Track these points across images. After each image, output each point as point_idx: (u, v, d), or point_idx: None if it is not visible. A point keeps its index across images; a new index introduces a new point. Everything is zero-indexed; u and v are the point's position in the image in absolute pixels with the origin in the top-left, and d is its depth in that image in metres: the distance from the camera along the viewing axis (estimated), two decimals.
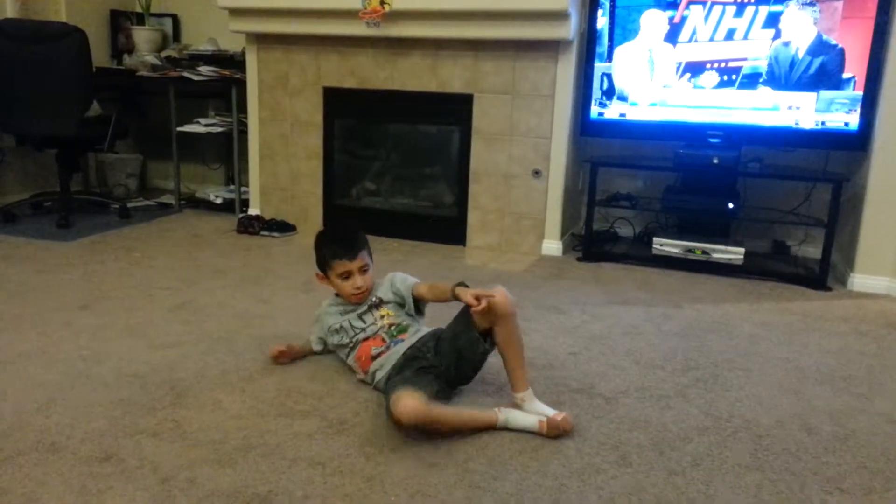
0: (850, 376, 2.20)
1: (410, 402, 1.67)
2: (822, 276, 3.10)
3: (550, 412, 1.79)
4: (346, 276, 2.04)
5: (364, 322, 2.05)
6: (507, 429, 1.77)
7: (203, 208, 4.34)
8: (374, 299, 2.07)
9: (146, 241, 3.59)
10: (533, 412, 1.81)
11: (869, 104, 2.99)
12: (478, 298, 1.81)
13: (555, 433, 1.74)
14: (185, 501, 1.48)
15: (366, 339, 2.02)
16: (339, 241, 2.07)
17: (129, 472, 1.58)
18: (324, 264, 2.08)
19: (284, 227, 3.82)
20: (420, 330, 2.03)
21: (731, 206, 3.22)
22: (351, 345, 2.05)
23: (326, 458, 1.65)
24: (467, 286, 1.89)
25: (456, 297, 1.88)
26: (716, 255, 3.23)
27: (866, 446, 1.78)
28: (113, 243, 3.54)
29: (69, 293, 2.77)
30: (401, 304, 2.07)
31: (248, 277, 3.05)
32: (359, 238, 2.09)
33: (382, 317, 2.05)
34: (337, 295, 2.14)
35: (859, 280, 3.09)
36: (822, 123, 3.08)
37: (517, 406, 1.84)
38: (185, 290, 2.84)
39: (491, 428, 1.77)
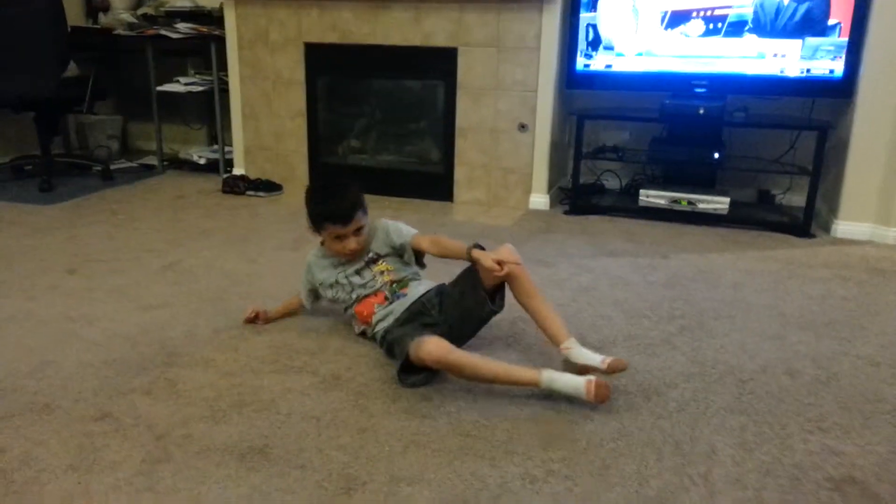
0: (832, 321, 2.24)
1: (434, 344, 1.68)
2: (806, 223, 3.14)
3: (598, 358, 1.75)
4: (340, 238, 1.96)
5: (362, 278, 2.00)
6: (552, 390, 1.68)
7: (187, 169, 4.29)
8: (370, 255, 2.01)
9: (130, 203, 3.56)
10: (581, 359, 1.77)
11: (854, 51, 2.98)
12: (500, 263, 1.78)
13: (603, 396, 1.64)
14: (182, 457, 1.50)
15: (367, 295, 1.98)
16: (332, 203, 1.94)
17: (125, 431, 1.59)
18: (314, 223, 1.99)
19: (270, 187, 3.79)
20: (421, 283, 2.00)
21: (716, 155, 3.23)
22: (350, 301, 2.01)
23: (320, 412, 1.67)
24: (483, 248, 1.84)
25: (472, 260, 1.83)
26: (701, 206, 3.25)
27: (847, 388, 1.83)
28: (97, 206, 3.51)
29: (55, 257, 2.75)
30: (399, 255, 2.02)
31: (236, 237, 3.04)
32: (353, 198, 1.95)
33: (382, 272, 1.99)
34: (323, 244, 2.08)
35: (843, 227, 3.13)
36: (808, 71, 3.07)
37: (565, 358, 1.80)
38: (172, 252, 2.83)
39: (534, 387, 1.69)
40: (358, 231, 1.95)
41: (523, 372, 1.72)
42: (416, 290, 1.97)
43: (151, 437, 1.57)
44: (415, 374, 1.77)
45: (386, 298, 1.97)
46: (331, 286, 2.04)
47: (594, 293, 2.44)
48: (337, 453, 1.52)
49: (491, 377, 1.72)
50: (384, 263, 2.00)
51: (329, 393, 1.76)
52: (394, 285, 1.98)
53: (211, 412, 1.67)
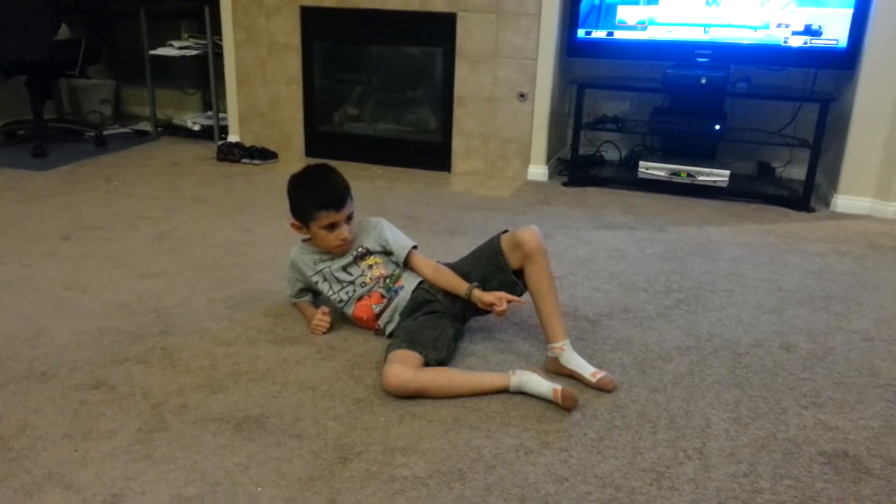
0: (829, 296, 2.24)
1: (394, 373, 1.60)
2: (805, 197, 3.12)
3: (590, 369, 1.68)
4: (332, 226, 1.84)
5: (351, 275, 1.89)
6: (521, 393, 1.63)
7: (181, 135, 4.25)
8: (360, 249, 1.89)
9: (125, 170, 3.52)
10: (570, 365, 1.70)
11: (859, 21, 2.93)
12: (500, 298, 1.72)
13: (569, 405, 1.57)
14: (179, 425, 1.50)
15: (360, 297, 1.88)
16: (324, 188, 1.84)
17: (121, 399, 1.59)
18: (304, 214, 1.86)
19: (266, 155, 3.75)
20: (413, 273, 1.89)
21: (717, 127, 3.20)
22: (344, 301, 1.90)
23: (316, 383, 1.68)
24: (481, 288, 1.78)
25: (472, 300, 1.77)
26: (701, 178, 3.23)
27: (842, 363, 1.83)
28: (91, 172, 3.47)
29: (49, 223, 2.73)
30: (387, 254, 1.91)
31: (231, 206, 3.01)
32: (343, 182, 1.86)
33: (371, 267, 1.89)
34: (306, 240, 1.96)
35: (842, 201, 3.12)
36: (811, 41, 3.03)
37: (553, 358, 1.73)
38: (167, 219, 2.81)
39: (503, 392, 1.63)
40: (349, 218, 1.85)
41: (491, 379, 1.65)
42: (410, 280, 1.87)
43: (148, 405, 1.57)
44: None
45: (382, 297, 1.86)
46: (323, 280, 1.92)
47: (591, 265, 2.44)
48: (332, 423, 1.52)
49: (461, 393, 1.62)
50: (373, 258, 1.90)
51: (325, 363, 1.76)
52: (387, 280, 1.87)
53: (207, 381, 1.67)
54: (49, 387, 1.64)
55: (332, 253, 1.90)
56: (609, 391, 1.66)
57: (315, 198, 1.84)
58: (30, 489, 1.31)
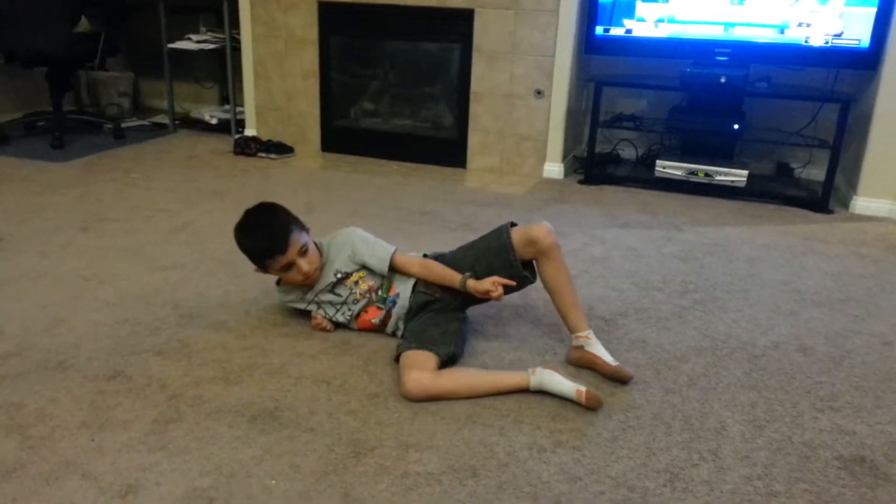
0: (847, 298, 2.22)
1: (413, 379, 1.58)
2: (824, 198, 3.09)
3: (610, 359, 1.69)
4: (288, 267, 1.79)
5: (340, 295, 1.85)
6: (542, 392, 1.62)
7: (198, 128, 4.27)
8: (337, 275, 1.84)
9: (142, 162, 3.55)
10: (596, 351, 1.70)
11: (882, 21, 2.89)
12: (494, 284, 1.70)
13: (594, 405, 1.57)
14: (194, 417, 1.51)
15: (357, 314, 1.85)
16: (260, 235, 1.78)
17: (138, 390, 1.61)
18: (256, 264, 1.83)
19: (282, 149, 3.76)
20: (402, 277, 1.85)
21: (736, 126, 3.17)
22: (348, 320, 1.87)
23: (330, 377, 1.68)
24: (475, 278, 1.75)
25: (466, 291, 1.75)
26: (718, 178, 3.20)
27: (860, 367, 1.81)
28: (109, 164, 3.50)
29: (68, 214, 2.75)
30: (367, 269, 1.85)
31: (247, 199, 2.98)
32: (281, 221, 1.79)
33: (356, 283, 1.84)
34: (278, 282, 1.92)
35: (862, 203, 3.08)
36: (832, 41, 2.99)
37: (579, 346, 1.73)
38: (184, 212, 2.82)
39: (523, 391, 1.62)
40: (303, 253, 1.78)
41: (510, 379, 1.64)
42: (404, 285, 1.83)
43: (164, 396, 1.59)
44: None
45: (379, 309, 1.84)
46: (317, 308, 1.89)
47: (606, 264, 2.43)
48: (346, 418, 1.53)
49: (480, 393, 1.61)
50: (356, 274, 1.85)
51: (339, 358, 1.77)
52: (378, 292, 1.84)
53: (223, 373, 1.68)
54: (66, 377, 1.65)
55: (307, 284, 1.85)
56: (625, 382, 1.68)
57: (257, 247, 1.79)
58: (48, 477, 1.33)
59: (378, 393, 1.62)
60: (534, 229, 1.75)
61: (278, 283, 1.94)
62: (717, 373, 1.76)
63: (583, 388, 1.58)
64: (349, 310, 1.86)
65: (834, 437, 1.52)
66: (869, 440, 1.51)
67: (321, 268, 1.85)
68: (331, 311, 1.88)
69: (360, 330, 1.89)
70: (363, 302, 1.85)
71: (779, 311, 2.11)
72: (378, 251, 1.84)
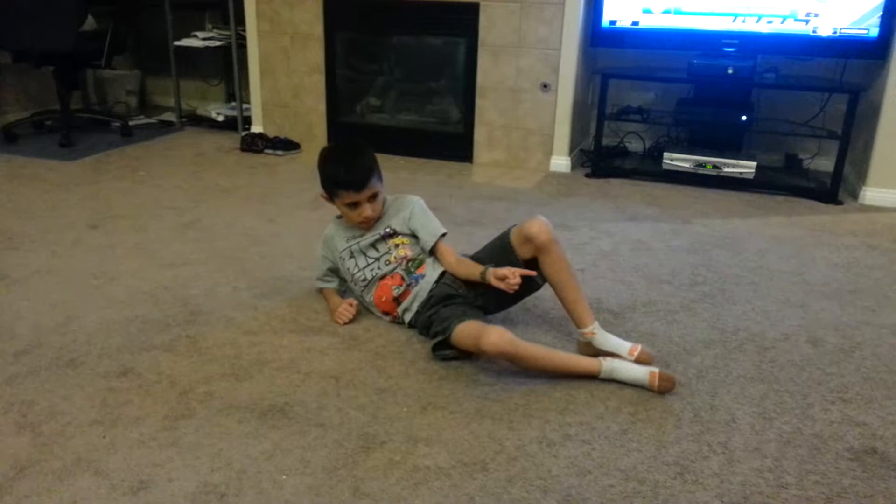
0: (857, 290, 2.20)
1: (498, 332, 1.59)
2: (833, 189, 3.07)
3: (626, 346, 1.70)
4: (354, 205, 1.87)
5: (378, 251, 1.91)
6: (612, 380, 1.64)
7: (205, 126, 4.28)
8: (387, 230, 1.91)
9: (150, 160, 3.56)
10: (607, 346, 1.71)
11: (891, 10, 2.86)
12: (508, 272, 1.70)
13: (666, 387, 1.59)
14: (205, 413, 1.52)
15: (383, 276, 1.89)
16: (346, 168, 1.85)
17: (148, 387, 1.62)
18: (328, 189, 1.90)
19: (288, 145, 3.77)
20: (435, 262, 1.90)
21: (744, 118, 3.15)
22: (366, 280, 1.91)
23: (340, 372, 1.69)
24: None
25: (486, 282, 1.75)
26: (726, 170, 3.19)
27: (870, 358, 1.80)
28: (117, 162, 3.51)
29: (77, 212, 2.77)
30: (414, 237, 1.93)
31: (255, 196, 3.03)
32: (368, 163, 1.87)
33: (397, 245, 1.90)
34: (339, 217, 2.00)
35: (871, 193, 3.06)
36: (840, 31, 2.97)
37: (586, 343, 1.74)
38: (193, 209, 2.83)
39: (593, 377, 1.65)
40: (373, 198, 1.87)
41: (583, 362, 1.67)
42: (432, 271, 1.88)
43: (174, 393, 1.59)
44: (449, 348, 1.72)
45: (402, 279, 1.87)
46: (350, 257, 1.94)
47: (614, 258, 2.42)
48: (356, 413, 1.53)
49: (551, 368, 1.66)
50: (400, 238, 1.92)
51: (348, 353, 1.77)
52: (409, 263, 1.89)
53: (232, 370, 1.69)
54: (78, 374, 1.67)
55: (359, 228, 1.94)
56: (650, 363, 1.68)
57: (337, 177, 1.87)
58: (60, 474, 1.34)
59: (387, 388, 1.63)
60: (528, 226, 1.76)
61: (338, 217, 2.01)
62: (726, 365, 1.75)
63: (655, 370, 1.60)
64: (378, 268, 1.90)
65: (845, 429, 1.51)
66: (880, 431, 1.50)
67: (378, 219, 1.93)
68: (362, 263, 1.93)
69: (376, 298, 1.89)
70: (393, 266, 1.89)
71: (788, 303, 2.10)
72: (431, 226, 1.92)
